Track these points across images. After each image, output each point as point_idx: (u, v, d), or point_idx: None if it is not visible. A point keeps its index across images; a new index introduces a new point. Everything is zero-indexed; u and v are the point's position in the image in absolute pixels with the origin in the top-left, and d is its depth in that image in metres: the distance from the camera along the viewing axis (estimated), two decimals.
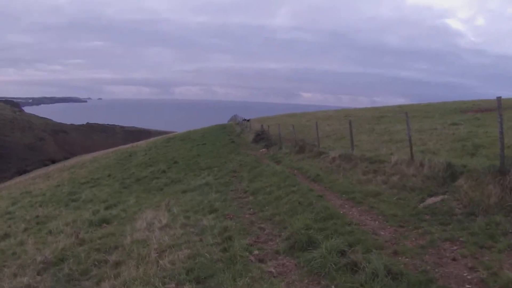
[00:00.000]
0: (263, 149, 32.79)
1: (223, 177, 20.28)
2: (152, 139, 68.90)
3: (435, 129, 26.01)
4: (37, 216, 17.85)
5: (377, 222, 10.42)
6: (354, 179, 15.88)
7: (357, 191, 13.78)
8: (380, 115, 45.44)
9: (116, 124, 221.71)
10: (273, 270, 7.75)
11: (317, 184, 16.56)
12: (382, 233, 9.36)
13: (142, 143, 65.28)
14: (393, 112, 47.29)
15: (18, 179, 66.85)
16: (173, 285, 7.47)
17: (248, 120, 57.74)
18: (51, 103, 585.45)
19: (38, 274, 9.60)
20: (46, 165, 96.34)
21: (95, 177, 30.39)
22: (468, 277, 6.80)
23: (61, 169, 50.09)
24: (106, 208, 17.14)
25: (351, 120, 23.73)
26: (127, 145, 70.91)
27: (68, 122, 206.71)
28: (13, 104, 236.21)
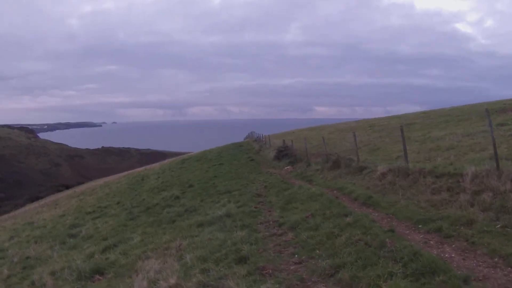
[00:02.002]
0: (288, 167, 29.53)
1: (246, 204, 16.80)
2: (166, 161, 66.29)
3: (484, 131, 22.79)
4: (27, 258, 15.90)
5: (499, 270, 6.88)
6: (422, 201, 12.69)
7: (436, 218, 10.47)
8: (407, 122, 42.13)
9: (131, 147, 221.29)
10: None
11: (372, 209, 13.30)
12: None
13: (155, 165, 62.64)
14: (420, 118, 44.66)
15: (29, 206, 64.65)
16: None
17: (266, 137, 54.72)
18: (66, 128, 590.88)
19: None
20: (59, 190, 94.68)
21: (103, 205, 27.95)
22: None
23: (71, 196, 48.35)
24: (104, 250, 13.98)
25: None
26: (140, 168, 68.42)
27: (83, 147, 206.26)
28: (28, 130, 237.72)
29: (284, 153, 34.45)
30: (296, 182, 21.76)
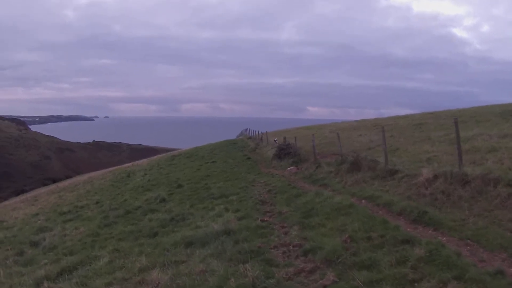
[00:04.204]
0: (291, 167, 25.93)
1: (249, 215, 13.26)
2: (155, 157, 63.27)
3: None
4: None
5: None
6: (505, 219, 9.54)
7: None
8: (418, 122, 39.33)
9: (122, 142, 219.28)
10: None
11: (432, 230, 9.86)
12: None
13: (143, 161, 59.83)
14: (430, 119, 41.38)
15: (13, 200, 61.55)
16: None
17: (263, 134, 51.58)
18: (58, 121, 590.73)
19: None
20: (45, 184, 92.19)
21: (80, 205, 24.79)
22: None
23: (52, 191, 45.34)
24: (60, 274, 10.31)
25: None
26: (128, 164, 65.31)
27: (75, 141, 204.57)
28: (19, 122, 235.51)
29: (286, 152, 30.66)
30: (307, 186, 18.37)
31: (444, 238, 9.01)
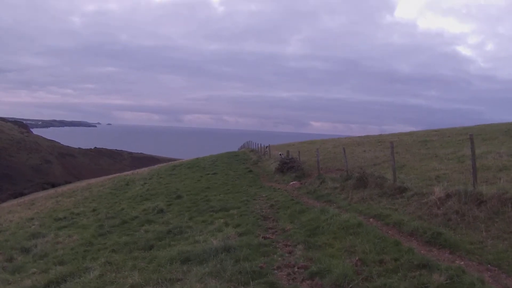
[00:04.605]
0: (294, 182, 25.27)
1: (251, 231, 12.50)
2: (156, 166, 62.72)
3: None
4: None
5: None
6: None
7: None
8: (423, 139, 38.66)
9: (124, 150, 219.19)
10: None
11: (448, 253, 9.21)
12: None
13: (144, 170, 59.05)
14: (435, 136, 41.07)
15: (10, 202, 60.81)
16: None
17: (266, 147, 50.94)
18: (60, 126, 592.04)
19: None
20: (44, 188, 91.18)
21: (76, 211, 24.40)
22: None
23: (50, 196, 44.73)
24: (46, 287, 9.64)
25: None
26: (128, 172, 64.70)
27: (76, 146, 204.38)
28: (22, 125, 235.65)
29: (290, 166, 30.06)
30: (311, 202, 17.63)
31: (462, 262, 8.38)
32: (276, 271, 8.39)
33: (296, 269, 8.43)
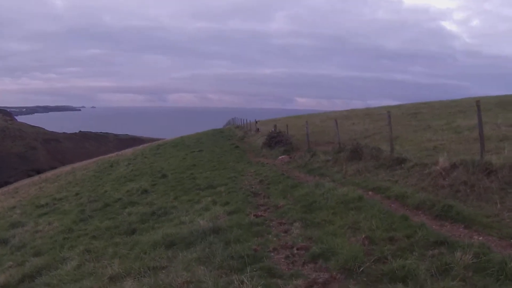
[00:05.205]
0: (283, 156, 24.65)
1: (241, 209, 11.58)
2: (140, 147, 61.85)
3: None
4: None
5: None
6: None
7: None
8: (412, 112, 38.52)
9: (109, 132, 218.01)
10: None
11: (463, 227, 8.34)
12: None
13: (128, 151, 58.32)
14: (424, 108, 41.13)
15: None
16: None
17: (256, 122, 50.16)
18: (45, 112, 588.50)
19: None
20: (30, 175, 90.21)
21: (59, 197, 23.26)
22: None
23: (34, 183, 43.78)
24: (20, 282, 8.81)
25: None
26: (112, 154, 63.75)
27: (61, 131, 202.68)
28: (5, 113, 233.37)
29: (277, 140, 29.47)
30: (302, 177, 16.90)
31: (481, 238, 7.49)
32: (272, 254, 7.43)
33: (295, 251, 7.46)
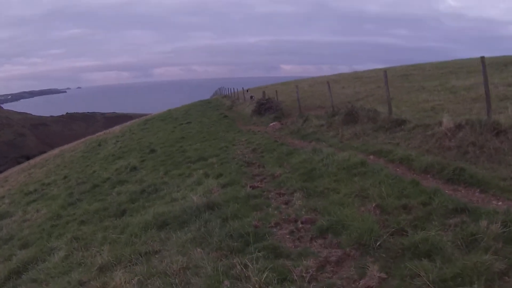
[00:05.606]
0: (274, 123, 23.99)
1: (235, 180, 10.93)
2: (128, 123, 61.05)
3: None
4: None
5: None
6: None
7: None
8: (402, 74, 37.92)
9: (96, 111, 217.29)
10: None
11: (479, 191, 7.66)
12: None
13: (116, 128, 57.41)
14: (415, 70, 40.75)
15: None
16: None
17: (247, 90, 49.56)
18: (31, 97, 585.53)
19: None
20: (20, 162, 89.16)
21: (47, 182, 22.77)
22: None
23: (23, 170, 43.36)
24: (7, 280, 8.16)
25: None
26: (100, 133, 63.05)
27: (48, 115, 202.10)
28: None
29: (267, 107, 28.88)
30: (296, 143, 16.30)
31: (501, 203, 6.84)
32: (275, 230, 6.76)
33: (299, 225, 6.77)
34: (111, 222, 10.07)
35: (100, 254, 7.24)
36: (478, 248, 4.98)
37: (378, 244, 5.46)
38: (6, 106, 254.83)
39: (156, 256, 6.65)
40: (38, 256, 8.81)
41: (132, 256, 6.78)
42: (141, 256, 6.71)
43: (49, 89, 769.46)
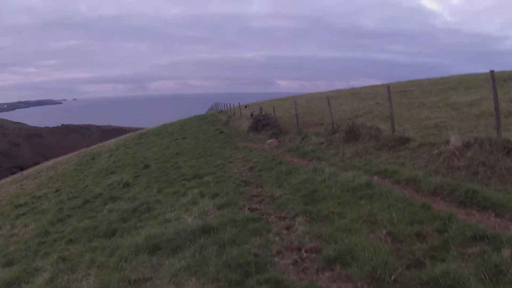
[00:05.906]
0: (271, 140, 23.53)
1: (232, 200, 10.40)
2: (123, 137, 60.78)
3: None
4: None
5: None
6: None
7: None
8: (401, 90, 37.37)
9: (91, 124, 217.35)
10: None
11: (494, 216, 7.10)
12: None
13: (111, 141, 57.25)
14: (413, 86, 39.94)
15: None
16: None
17: (246, 106, 49.40)
18: (26, 107, 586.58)
19: None
20: (13, 173, 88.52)
21: (39, 194, 22.04)
22: None
23: (16, 181, 42.16)
24: None
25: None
26: (95, 146, 62.79)
27: (43, 125, 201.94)
28: None
29: (264, 123, 28.48)
30: (296, 161, 15.76)
31: None
32: (277, 259, 6.20)
33: (304, 254, 6.22)
34: (101, 242, 9.53)
35: (87, 279, 6.79)
36: (503, 282, 4.55)
37: (393, 277, 4.95)
38: (1, 116, 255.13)
39: (147, 284, 6.16)
40: (22, 277, 8.31)
41: (121, 283, 6.26)
42: (130, 284, 6.20)
43: (45, 100, 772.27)
